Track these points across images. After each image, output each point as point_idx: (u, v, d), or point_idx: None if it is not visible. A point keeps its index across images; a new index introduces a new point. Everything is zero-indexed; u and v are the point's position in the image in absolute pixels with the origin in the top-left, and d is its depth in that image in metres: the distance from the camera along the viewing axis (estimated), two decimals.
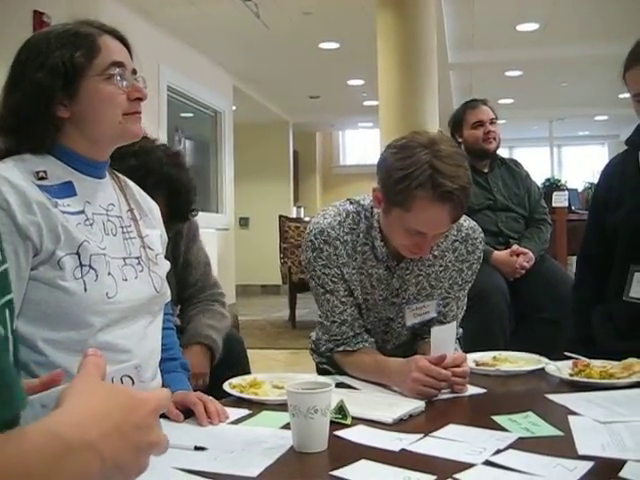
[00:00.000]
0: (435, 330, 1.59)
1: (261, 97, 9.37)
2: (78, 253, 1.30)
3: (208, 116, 7.83)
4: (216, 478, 1.06)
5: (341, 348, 1.80)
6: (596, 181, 2.28)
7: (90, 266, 1.31)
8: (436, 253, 1.79)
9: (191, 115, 7.48)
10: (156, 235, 1.54)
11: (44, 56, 1.33)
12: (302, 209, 11.55)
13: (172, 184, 1.95)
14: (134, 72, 1.41)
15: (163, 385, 1.50)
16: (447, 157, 1.54)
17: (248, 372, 1.71)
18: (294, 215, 10.35)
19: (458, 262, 1.82)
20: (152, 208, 1.58)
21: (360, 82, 8.69)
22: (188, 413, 1.39)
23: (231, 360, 2.08)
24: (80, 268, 1.29)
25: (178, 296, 2.18)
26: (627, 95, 1.90)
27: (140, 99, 1.38)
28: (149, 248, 1.47)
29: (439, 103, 4.55)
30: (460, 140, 3.43)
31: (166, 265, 1.55)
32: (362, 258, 1.76)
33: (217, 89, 7.73)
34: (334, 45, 7.05)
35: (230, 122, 8.20)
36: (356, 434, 1.27)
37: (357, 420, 1.34)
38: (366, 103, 9.62)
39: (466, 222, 1.84)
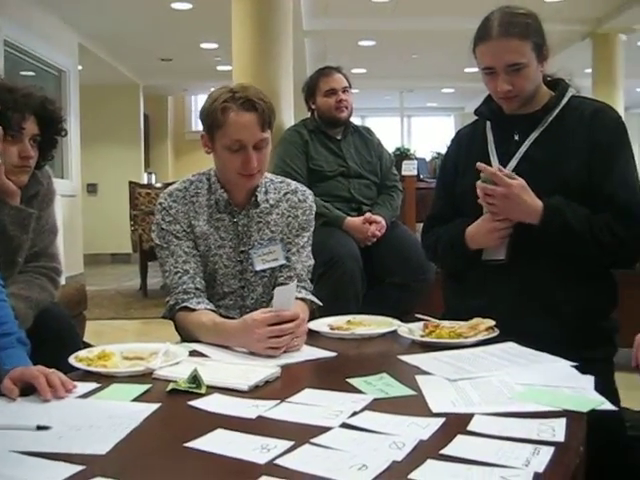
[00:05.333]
0: (277, 290, 1.65)
1: (109, 57, 8.95)
2: None
3: (51, 75, 7.36)
4: (60, 458, 0.99)
5: (183, 305, 1.84)
6: (444, 151, 2.34)
7: None
8: (272, 202, 2.02)
9: (32, 74, 7.00)
10: None
11: None
12: (153, 175, 11.28)
13: (40, 98, 2.02)
14: None
15: None
16: (241, 86, 1.95)
17: (78, 349, 1.61)
18: (145, 181, 10.09)
19: (292, 209, 2.04)
20: None
21: (214, 46, 8.51)
22: (31, 390, 1.29)
23: (56, 339, 1.89)
24: None
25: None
26: (473, 70, 1.96)
27: None
28: None
29: (294, 70, 4.53)
30: (313, 107, 3.44)
31: None
32: (209, 211, 1.98)
33: (61, 47, 7.29)
34: (187, 6, 6.84)
35: (76, 83, 7.77)
36: (211, 403, 1.24)
37: (212, 389, 1.32)
38: (220, 68, 9.45)
39: (293, 182, 2.12)
